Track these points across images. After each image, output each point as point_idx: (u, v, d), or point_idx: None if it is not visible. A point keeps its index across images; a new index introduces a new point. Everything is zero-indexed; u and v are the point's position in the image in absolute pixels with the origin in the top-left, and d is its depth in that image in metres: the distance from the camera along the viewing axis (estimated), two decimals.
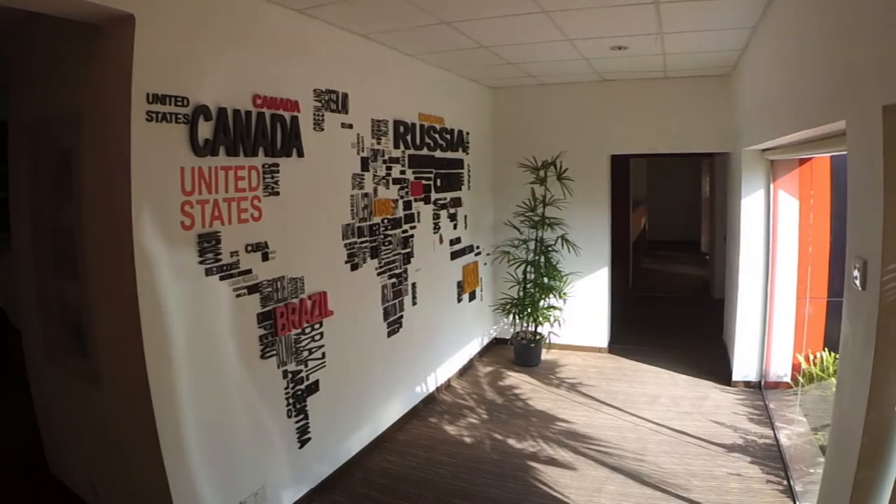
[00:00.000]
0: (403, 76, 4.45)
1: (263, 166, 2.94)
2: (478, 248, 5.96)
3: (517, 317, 5.89)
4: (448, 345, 5.31)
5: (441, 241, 5.08)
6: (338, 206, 3.61)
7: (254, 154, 2.87)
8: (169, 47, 2.42)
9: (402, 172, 4.35)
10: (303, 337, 3.26)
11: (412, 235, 4.51)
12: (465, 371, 5.67)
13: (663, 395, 4.97)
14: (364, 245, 3.86)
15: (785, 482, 3.48)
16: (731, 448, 3.96)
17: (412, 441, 4.20)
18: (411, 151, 4.48)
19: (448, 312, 5.30)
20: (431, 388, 4.97)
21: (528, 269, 5.88)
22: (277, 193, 3.03)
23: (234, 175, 2.76)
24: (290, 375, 3.17)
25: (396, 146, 4.26)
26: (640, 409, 4.68)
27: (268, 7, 2.99)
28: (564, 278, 5.91)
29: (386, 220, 4.12)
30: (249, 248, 2.86)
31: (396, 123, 4.26)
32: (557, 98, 6.02)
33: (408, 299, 4.48)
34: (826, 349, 4.11)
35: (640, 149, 6.22)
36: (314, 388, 3.36)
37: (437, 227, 4.98)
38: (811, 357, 4.16)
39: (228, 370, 2.77)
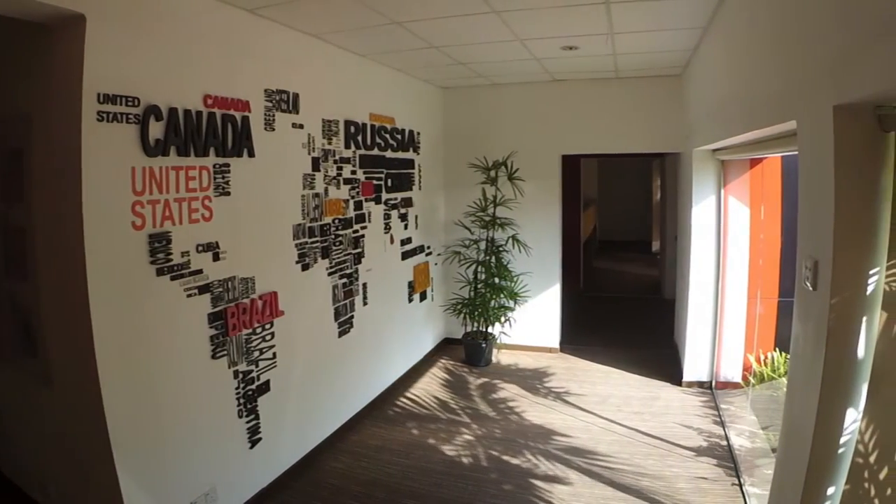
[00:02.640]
0: (354, 76, 4.62)
1: (214, 166, 3.07)
2: (429, 248, 6.16)
3: (468, 317, 6.10)
4: (399, 345, 5.50)
5: (392, 241, 5.27)
6: (289, 207, 3.75)
7: (205, 154, 3.00)
8: (120, 47, 2.53)
9: (353, 172, 4.52)
10: (254, 337, 3.39)
11: (363, 235, 4.68)
12: (416, 371, 5.87)
13: (614, 394, 5.18)
14: (315, 245, 4.00)
15: (735, 481, 3.65)
16: (681, 447, 4.12)
17: (363, 441, 4.36)
18: (362, 151, 4.66)
19: (399, 313, 5.49)
20: (382, 388, 5.16)
21: (479, 269, 6.11)
22: (228, 194, 3.16)
23: (184, 175, 2.88)
24: (240, 375, 3.30)
25: (347, 146, 4.43)
26: (590, 408, 4.88)
27: (219, 7, 3.12)
28: (515, 278, 6.15)
29: (337, 221, 4.28)
30: (200, 248, 2.98)
31: (347, 123, 4.42)
32: (509, 98, 6.26)
33: (359, 299, 4.65)
34: (777, 349, 4.23)
35: (592, 149, 6.49)
36: (265, 388, 3.50)
37: (387, 228, 5.16)
38: (762, 357, 4.30)
39: (179, 370, 2.89)
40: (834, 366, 1.74)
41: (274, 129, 3.55)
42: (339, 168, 4.31)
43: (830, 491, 1.83)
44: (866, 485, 1.80)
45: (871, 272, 1.68)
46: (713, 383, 5.13)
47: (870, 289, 1.69)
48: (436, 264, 6.38)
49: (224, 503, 3.18)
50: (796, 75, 2.06)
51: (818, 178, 1.82)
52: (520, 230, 6.06)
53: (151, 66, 2.69)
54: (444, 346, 6.66)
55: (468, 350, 6.13)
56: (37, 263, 2.63)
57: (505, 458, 4.09)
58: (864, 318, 1.70)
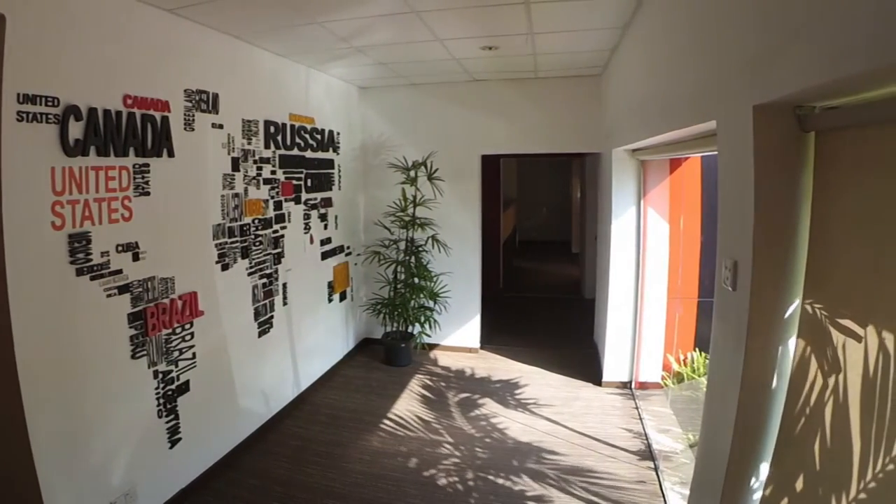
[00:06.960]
0: (274, 76, 4.82)
1: (134, 166, 3.22)
2: (348, 248, 6.40)
3: (388, 317, 6.36)
4: (319, 344, 5.73)
5: (312, 241, 5.48)
6: (208, 207, 3.93)
7: (124, 154, 3.15)
8: (40, 47, 2.66)
9: (273, 173, 4.72)
10: (173, 337, 3.55)
11: (283, 236, 4.89)
12: (336, 371, 6.10)
13: (534, 394, 5.43)
14: (235, 245, 4.18)
15: (655, 481, 3.84)
16: (601, 446, 4.33)
17: (283, 441, 4.56)
18: (282, 152, 4.87)
19: (319, 313, 5.71)
20: (302, 388, 5.38)
21: (399, 269, 6.38)
22: (148, 194, 3.32)
23: (104, 175, 3.02)
24: (160, 376, 3.46)
25: (267, 146, 4.63)
26: (510, 408, 5.14)
27: (138, 7, 3.27)
28: (435, 278, 6.46)
29: (257, 221, 4.46)
30: (120, 248, 3.13)
31: (267, 123, 4.62)
32: (428, 98, 6.53)
33: (278, 299, 4.85)
34: (697, 349, 4.43)
35: (511, 149, 6.76)
36: (185, 388, 3.67)
37: (307, 228, 5.38)
38: (682, 357, 4.49)
39: (99, 371, 3.04)
40: (753, 366, 1.82)
41: (194, 130, 3.71)
42: (259, 168, 4.50)
43: (750, 489, 1.92)
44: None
45: (790, 271, 1.75)
46: (633, 383, 5.38)
47: (789, 288, 1.76)
48: (356, 264, 6.61)
49: (144, 503, 3.32)
50: (716, 75, 2.14)
51: (738, 177, 1.88)
52: (439, 230, 6.38)
53: (71, 66, 2.83)
54: (365, 347, 6.88)
55: (388, 350, 6.39)
56: None
57: (421, 456, 4.29)
58: (785, 317, 1.78)
